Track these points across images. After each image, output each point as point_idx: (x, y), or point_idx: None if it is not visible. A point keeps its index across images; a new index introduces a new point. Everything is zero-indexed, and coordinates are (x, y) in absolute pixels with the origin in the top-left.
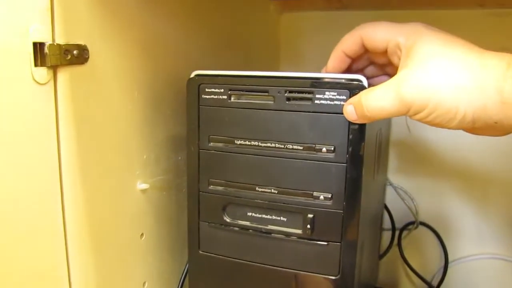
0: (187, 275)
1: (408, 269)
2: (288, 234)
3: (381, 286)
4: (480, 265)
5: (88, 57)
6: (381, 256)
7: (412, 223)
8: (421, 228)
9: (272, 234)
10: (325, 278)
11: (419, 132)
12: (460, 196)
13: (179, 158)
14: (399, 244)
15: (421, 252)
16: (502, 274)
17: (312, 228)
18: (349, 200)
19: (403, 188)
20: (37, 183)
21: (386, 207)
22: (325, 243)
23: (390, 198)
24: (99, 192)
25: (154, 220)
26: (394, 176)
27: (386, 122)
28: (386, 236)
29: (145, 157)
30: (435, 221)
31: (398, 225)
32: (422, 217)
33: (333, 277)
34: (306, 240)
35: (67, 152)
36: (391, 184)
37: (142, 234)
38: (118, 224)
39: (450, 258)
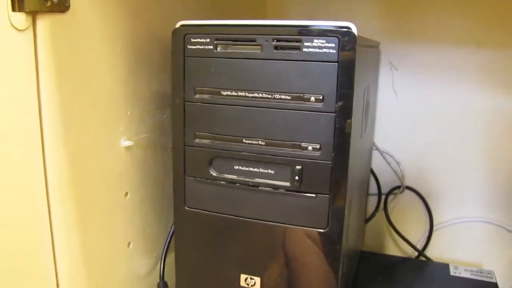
0: (173, 233)
1: (394, 233)
2: (276, 187)
3: (367, 250)
4: (464, 228)
5: (69, 5)
6: (367, 220)
7: (398, 187)
8: (407, 192)
9: (260, 187)
10: (313, 231)
11: (405, 96)
12: (445, 161)
13: (164, 116)
14: (385, 209)
15: (407, 216)
16: (486, 236)
17: (300, 180)
18: (337, 150)
19: (389, 153)
20: (17, 135)
21: (372, 172)
22: (314, 195)
23: (376, 163)
24: (82, 147)
25: (139, 179)
26: (381, 140)
27: (374, 81)
28: (372, 201)
29: (129, 113)
30: (421, 186)
31: (384, 190)
32: (408, 182)
33: (322, 230)
34: (294, 193)
35: (47, 103)
36: (377, 149)
37: (126, 193)
38: (101, 181)
39: (435, 222)
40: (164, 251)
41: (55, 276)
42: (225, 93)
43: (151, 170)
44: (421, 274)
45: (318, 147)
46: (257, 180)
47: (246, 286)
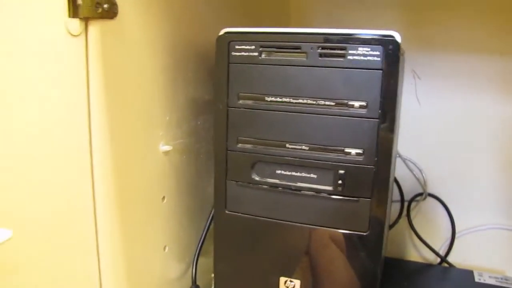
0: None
1: (415, 240)
2: (318, 191)
3: (390, 256)
4: (486, 235)
5: (117, 12)
6: (390, 227)
7: (420, 194)
8: (429, 199)
9: (302, 192)
10: (354, 234)
11: (428, 104)
12: (467, 168)
13: (198, 122)
14: (408, 215)
15: (429, 223)
16: (509, 244)
17: (343, 184)
18: (380, 155)
19: (412, 160)
20: (67, 135)
21: (395, 179)
22: (356, 199)
23: (399, 170)
24: (125, 149)
25: (175, 184)
26: (403, 148)
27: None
28: (395, 207)
29: (167, 118)
30: (443, 193)
31: (407, 197)
32: (430, 189)
33: (362, 233)
34: (336, 197)
35: (96, 105)
36: (400, 156)
37: (163, 197)
38: (142, 185)
39: (457, 229)
40: (196, 255)
41: (98, 274)
42: (269, 99)
43: (186, 175)
44: (445, 280)
45: (361, 152)
46: (299, 184)
47: None
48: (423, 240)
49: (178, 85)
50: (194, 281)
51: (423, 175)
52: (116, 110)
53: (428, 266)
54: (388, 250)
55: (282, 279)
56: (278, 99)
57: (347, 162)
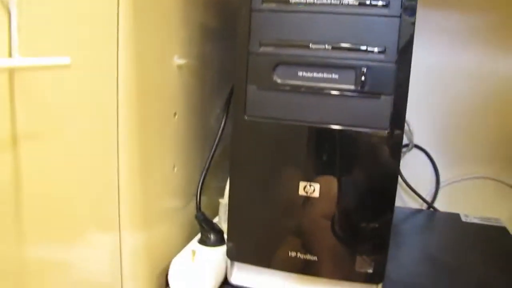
0: (231, 144)
1: (400, 190)
2: (340, 90)
3: None
4: (470, 185)
5: None
6: None
7: (406, 145)
8: (415, 151)
9: (324, 92)
10: (376, 132)
11: (416, 58)
12: (453, 120)
13: (212, 44)
14: None
15: (414, 174)
16: (493, 194)
17: (365, 82)
18: (401, 53)
19: None
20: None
21: None
22: (377, 96)
23: None
24: (145, 59)
25: (187, 100)
26: None
27: None
28: None
29: (183, 33)
30: (428, 144)
31: None
32: (416, 140)
33: (384, 131)
34: (358, 94)
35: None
36: None
37: (175, 113)
38: (157, 97)
39: (441, 178)
40: (202, 179)
41: (117, 183)
42: (293, 0)
43: (197, 92)
44: (433, 223)
45: (383, 49)
46: (322, 84)
47: (305, 194)
48: (409, 185)
49: (193, 7)
50: (198, 207)
51: (409, 126)
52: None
53: (415, 211)
54: None
55: (302, 184)
56: (302, 0)
57: (369, 60)
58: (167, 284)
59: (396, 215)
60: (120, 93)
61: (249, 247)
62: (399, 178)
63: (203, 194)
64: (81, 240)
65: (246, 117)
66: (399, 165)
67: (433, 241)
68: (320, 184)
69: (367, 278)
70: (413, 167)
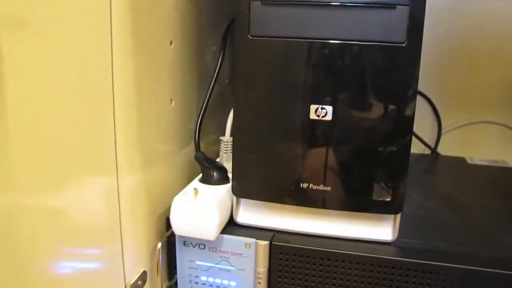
0: (235, 67)
1: None
2: (352, 1)
3: None
4: (472, 130)
5: None
6: None
7: None
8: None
9: (334, 3)
10: (391, 46)
11: None
12: (454, 63)
13: None
14: None
15: (415, 120)
16: (497, 139)
17: None
18: None
19: None
20: None
21: None
22: (392, 7)
23: None
24: None
25: (183, 28)
26: None
27: None
28: None
29: None
30: (429, 89)
31: None
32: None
33: (400, 44)
34: (371, 5)
35: None
36: None
37: (171, 42)
38: (152, 22)
39: (443, 125)
40: (200, 118)
41: (112, 117)
42: None
43: (194, 23)
44: (439, 165)
45: None
46: None
47: (317, 117)
48: (414, 132)
49: None
50: (197, 147)
51: None
52: None
53: (419, 156)
54: None
55: (313, 107)
56: None
57: None
58: (167, 227)
59: None
60: (113, 18)
61: (256, 181)
62: None
63: (202, 137)
64: (76, 184)
65: (250, 37)
66: (417, 81)
67: (442, 181)
68: (332, 106)
69: (385, 208)
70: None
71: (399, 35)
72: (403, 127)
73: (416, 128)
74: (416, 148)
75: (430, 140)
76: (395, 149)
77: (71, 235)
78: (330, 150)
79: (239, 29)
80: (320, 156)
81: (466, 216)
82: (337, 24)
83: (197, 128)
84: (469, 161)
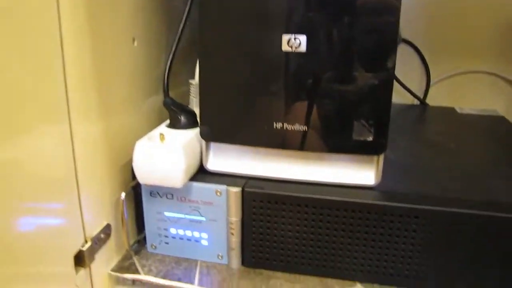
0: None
1: None
2: None
3: None
4: (462, 79)
5: None
6: None
7: None
8: (403, 46)
9: None
10: None
11: None
12: (442, 10)
13: None
14: None
15: (403, 70)
16: (487, 88)
17: None
18: None
19: None
20: None
21: None
22: None
23: None
24: None
25: None
26: None
27: None
28: None
29: None
30: (417, 39)
31: None
32: (404, 34)
33: None
34: None
35: None
36: None
37: None
38: None
39: (432, 75)
40: (170, 62)
41: (61, 56)
42: None
43: None
44: (427, 115)
45: None
46: None
47: (290, 49)
48: (400, 81)
49: None
50: (166, 92)
51: None
52: None
53: (407, 106)
54: None
55: (285, 37)
56: None
57: None
58: (133, 176)
59: None
60: None
61: (226, 123)
62: None
63: (174, 83)
64: (25, 132)
65: None
66: (399, 7)
67: (431, 130)
68: (306, 35)
69: (367, 148)
70: (401, 64)
71: None
72: (385, 57)
73: (404, 79)
74: (405, 99)
75: (419, 91)
76: (376, 82)
77: (25, 188)
78: (306, 85)
79: None
80: (294, 93)
81: (453, 162)
82: None
83: (166, 72)
84: (459, 111)
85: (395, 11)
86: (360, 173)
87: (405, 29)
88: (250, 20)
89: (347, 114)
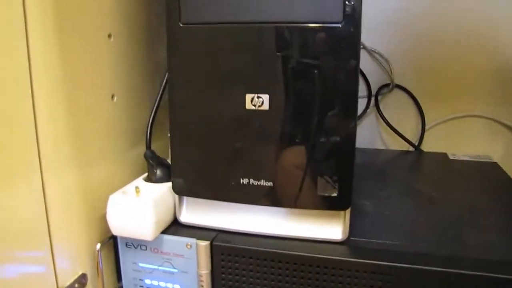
0: (168, 55)
1: (384, 134)
2: None
3: (360, 147)
4: (456, 124)
5: None
6: (359, 117)
7: (387, 85)
8: (396, 91)
9: None
10: (328, 27)
11: None
12: (434, 56)
13: None
14: (376, 104)
15: (398, 116)
16: (483, 133)
17: None
18: None
19: (377, 51)
20: None
21: (360, 71)
22: None
23: (364, 62)
24: None
25: (122, 19)
26: (369, 39)
27: None
28: (361, 101)
29: None
30: (410, 84)
31: (374, 91)
32: (397, 80)
33: (338, 25)
34: None
35: None
36: (365, 48)
37: (109, 35)
38: (86, 19)
39: (426, 121)
40: (153, 113)
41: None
42: None
43: (134, 12)
44: (418, 161)
45: None
46: None
47: (253, 107)
48: (393, 127)
49: None
50: (148, 145)
51: (390, 65)
52: None
53: (403, 152)
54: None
55: (249, 97)
56: None
57: None
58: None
59: (377, 157)
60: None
61: (196, 178)
62: (382, 121)
63: (162, 136)
64: None
65: (181, 24)
66: (358, 64)
67: (416, 178)
68: (269, 94)
69: (332, 204)
70: (396, 109)
71: (336, 16)
72: (346, 115)
73: (399, 125)
74: (401, 145)
75: (414, 137)
76: (338, 139)
77: None
78: (270, 142)
79: (169, 16)
80: (258, 149)
81: (432, 213)
82: (270, 7)
83: (149, 125)
84: (451, 157)
85: (354, 71)
86: (327, 228)
87: (398, 75)
88: (216, 80)
89: (310, 171)
